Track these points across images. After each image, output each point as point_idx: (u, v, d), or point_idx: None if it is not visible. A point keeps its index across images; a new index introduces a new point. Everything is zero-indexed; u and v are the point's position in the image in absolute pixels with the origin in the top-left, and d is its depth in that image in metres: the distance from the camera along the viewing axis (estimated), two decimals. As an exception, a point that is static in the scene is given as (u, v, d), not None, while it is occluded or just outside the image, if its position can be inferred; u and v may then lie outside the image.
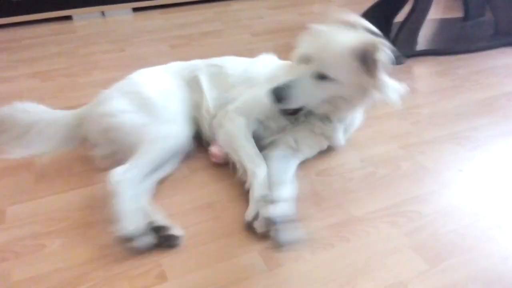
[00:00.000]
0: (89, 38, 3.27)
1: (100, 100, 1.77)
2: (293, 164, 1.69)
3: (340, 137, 1.77)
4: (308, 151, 1.75)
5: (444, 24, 3.26)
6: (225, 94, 1.82)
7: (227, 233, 1.45)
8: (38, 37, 3.31)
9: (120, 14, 3.77)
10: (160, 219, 1.41)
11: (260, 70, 1.84)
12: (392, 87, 1.55)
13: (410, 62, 2.72)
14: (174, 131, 1.69)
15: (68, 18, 3.66)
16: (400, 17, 2.88)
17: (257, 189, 1.49)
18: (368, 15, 3.04)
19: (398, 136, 1.96)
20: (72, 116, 1.81)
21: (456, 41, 3.00)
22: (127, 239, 1.34)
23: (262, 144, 1.73)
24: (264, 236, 1.37)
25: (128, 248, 1.35)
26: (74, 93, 2.34)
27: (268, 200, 1.39)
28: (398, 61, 2.68)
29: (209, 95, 1.84)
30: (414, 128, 2.03)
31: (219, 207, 1.56)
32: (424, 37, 2.93)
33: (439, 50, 2.82)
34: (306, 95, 1.54)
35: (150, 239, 1.37)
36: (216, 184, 1.67)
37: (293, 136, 1.71)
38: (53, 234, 1.45)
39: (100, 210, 1.51)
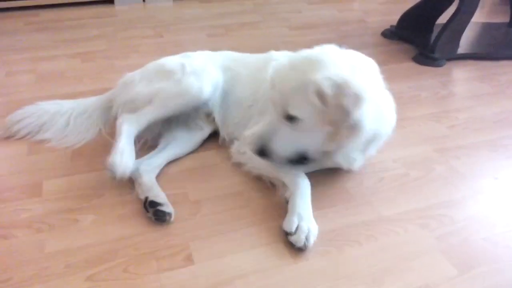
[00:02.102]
0: (129, 23, 3.33)
1: (119, 85, 1.86)
2: None
3: (356, 161, 1.59)
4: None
5: (488, 29, 3.16)
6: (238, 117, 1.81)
7: (254, 222, 1.46)
8: (80, 19, 3.39)
9: (161, 1, 3.82)
10: (155, 196, 1.47)
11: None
12: (365, 129, 1.37)
13: (450, 65, 2.65)
14: (194, 86, 1.70)
15: (110, 2, 3.73)
16: (442, 19, 2.81)
17: (300, 202, 1.43)
18: (410, 15, 2.99)
19: (433, 139, 1.93)
20: (101, 100, 1.88)
21: (499, 47, 2.91)
22: (112, 174, 1.47)
23: None
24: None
25: (110, 176, 1.50)
26: (111, 75, 2.39)
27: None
28: (438, 63, 2.62)
29: (221, 110, 1.85)
30: (450, 132, 1.99)
31: (247, 196, 1.58)
32: (466, 41, 2.85)
33: (481, 54, 2.74)
34: (289, 143, 1.44)
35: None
36: (244, 174, 1.67)
37: None
38: (87, 210, 1.49)
39: (132, 190, 1.56)
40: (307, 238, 1.33)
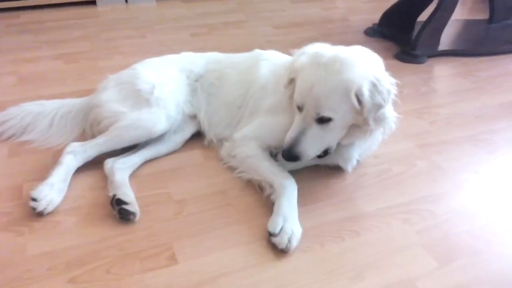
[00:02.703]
0: (112, 24, 3.30)
1: (98, 89, 1.85)
2: None
3: (352, 161, 1.65)
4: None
5: (468, 25, 3.21)
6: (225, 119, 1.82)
7: (238, 220, 1.46)
8: (62, 20, 3.35)
9: (143, 1, 3.79)
10: (123, 194, 1.47)
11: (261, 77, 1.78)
12: (389, 118, 1.48)
13: (431, 61, 2.68)
14: (150, 122, 1.68)
15: (92, 3, 3.69)
16: (423, 16, 2.84)
17: (286, 204, 1.43)
18: (391, 13, 3.02)
19: (415, 135, 1.95)
20: (86, 102, 1.87)
21: (480, 43, 2.96)
22: (33, 205, 1.43)
23: None
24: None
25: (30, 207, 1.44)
26: (95, 76, 2.36)
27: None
28: (419, 60, 2.65)
29: (207, 113, 1.85)
30: (432, 128, 2.01)
31: (231, 194, 1.58)
32: (447, 38, 2.88)
33: (462, 51, 2.78)
34: (317, 143, 1.46)
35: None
36: (229, 173, 1.68)
37: None
38: (68, 211, 1.48)
39: (115, 191, 1.54)
40: (289, 241, 1.33)
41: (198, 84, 1.89)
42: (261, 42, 2.93)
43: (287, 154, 1.46)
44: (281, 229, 1.35)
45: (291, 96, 1.53)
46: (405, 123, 2.03)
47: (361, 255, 1.33)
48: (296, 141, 1.44)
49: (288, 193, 1.47)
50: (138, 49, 2.83)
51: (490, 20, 3.14)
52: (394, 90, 1.44)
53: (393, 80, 1.47)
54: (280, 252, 1.33)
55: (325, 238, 1.39)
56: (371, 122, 1.41)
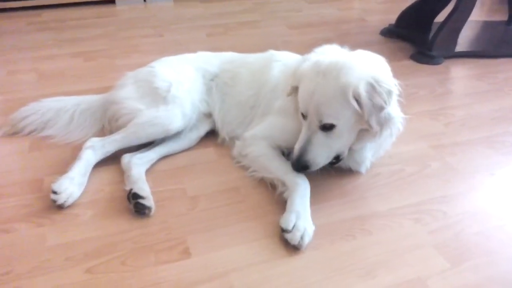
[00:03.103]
0: (130, 23, 3.37)
1: (116, 86, 1.89)
2: None
3: (365, 163, 1.67)
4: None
5: (486, 27, 3.18)
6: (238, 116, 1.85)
7: (250, 217, 1.48)
8: (82, 19, 3.43)
9: (161, 1, 3.85)
10: (139, 189, 1.50)
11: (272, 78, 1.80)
12: (395, 119, 1.46)
13: (448, 63, 2.67)
14: (167, 119, 1.72)
15: (111, 2, 3.76)
16: (440, 17, 2.82)
17: (299, 202, 1.45)
18: (408, 14, 3.01)
19: (430, 136, 1.95)
20: (105, 99, 1.91)
21: (498, 45, 2.93)
22: (54, 198, 1.48)
23: None
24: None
25: (51, 200, 1.48)
26: (113, 74, 2.42)
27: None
28: (435, 61, 2.64)
29: (221, 112, 1.88)
30: (447, 129, 2.01)
31: (244, 192, 1.60)
32: (465, 39, 2.87)
33: (479, 52, 2.75)
34: (325, 151, 1.47)
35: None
36: (241, 171, 1.70)
37: None
38: (87, 205, 1.52)
39: (131, 185, 1.58)
40: (302, 237, 1.35)
41: (213, 83, 1.92)
42: (276, 42, 2.95)
43: (297, 165, 1.47)
44: (294, 226, 1.37)
45: (296, 104, 1.54)
46: (419, 124, 2.04)
47: (372, 254, 1.34)
48: (304, 151, 1.46)
49: (301, 191, 1.48)
50: (155, 47, 2.88)
51: (509, 21, 3.11)
52: (396, 91, 1.43)
53: (395, 81, 1.47)
54: (292, 248, 1.35)
55: (336, 236, 1.40)
56: (374, 124, 1.40)
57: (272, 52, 1.94)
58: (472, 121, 2.07)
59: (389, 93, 1.40)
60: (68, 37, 3.05)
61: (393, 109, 1.46)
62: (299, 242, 1.34)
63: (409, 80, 2.45)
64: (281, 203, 1.50)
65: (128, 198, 1.49)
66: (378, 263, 1.31)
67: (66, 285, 1.23)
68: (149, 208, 1.47)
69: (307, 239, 1.35)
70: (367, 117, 1.38)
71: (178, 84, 1.81)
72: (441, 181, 1.67)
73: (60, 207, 1.49)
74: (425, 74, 2.54)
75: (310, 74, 1.45)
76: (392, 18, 3.13)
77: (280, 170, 1.57)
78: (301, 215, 1.40)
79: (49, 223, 1.45)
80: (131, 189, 1.50)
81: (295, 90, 1.54)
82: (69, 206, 1.50)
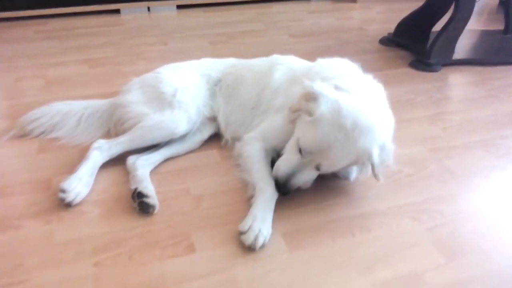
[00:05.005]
0: (135, 31, 3.44)
1: (123, 91, 1.95)
2: None
3: (353, 174, 1.69)
4: None
5: (483, 36, 3.25)
6: (240, 117, 1.90)
7: (253, 215, 1.53)
8: (89, 28, 3.50)
9: (165, 10, 3.93)
10: (144, 188, 1.55)
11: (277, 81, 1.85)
12: (389, 151, 1.50)
13: (446, 70, 2.73)
14: (172, 123, 1.77)
15: (116, 11, 3.85)
16: (438, 27, 2.89)
17: (259, 207, 1.46)
18: (406, 23, 3.08)
19: (427, 140, 2.00)
20: (111, 103, 1.97)
21: (494, 53, 2.99)
22: (62, 196, 1.53)
23: None
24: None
25: (60, 201, 1.53)
26: (119, 80, 2.48)
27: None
28: (433, 68, 2.70)
29: (224, 114, 1.94)
30: (444, 134, 2.06)
31: (246, 192, 1.63)
32: (462, 47, 2.93)
33: (476, 60, 2.82)
34: (310, 178, 1.53)
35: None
36: (244, 171, 1.74)
37: None
38: (94, 203, 1.57)
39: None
40: (255, 239, 1.37)
41: (217, 88, 1.98)
42: (279, 50, 2.97)
43: (284, 189, 1.50)
44: (249, 227, 1.39)
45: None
46: (418, 128, 2.09)
47: (370, 250, 1.39)
48: (292, 177, 1.48)
49: (265, 198, 1.50)
50: (160, 55, 2.95)
51: (505, 30, 3.17)
52: (393, 124, 1.59)
53: (391, 112, 1.61)
54: (292, 247, 1.39)
55: (336, 233, 1.45)
56: (379, 175, 1.47)
57: (276, 56, 2.00)
58: (469, 125, 2.13)
59: (391, 149, 1.49)
60: (75, 45, 3.12)
61: (389, 142, 1.50)
62: (252, 242, 1.36)
63: (408, 87, 2.51)
64: (283, 203, 1.54)
65: (133, 197, 1.54)
66: (377, 259, 1.35)
67: (74, 278, 1.28)
68: (153, 207, 1.52)
69: (261, 240, 1.37)
70: (376, 172, 1.46)
71: (183, 89, 1.86)
72: (438, 183, 1.71)
73: (68, 205, 1.53)
74: (423, 81, 2.60)
75: (330, 124, 1.40)
76: (390, 27, 3.20)
77: (257, 174, 1.59)
78: (258, 218, 1.42)
79: (58, 220, 1.49)
80: (136, 188, 1.55)
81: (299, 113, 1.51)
82: (77, 204, 1.55)
